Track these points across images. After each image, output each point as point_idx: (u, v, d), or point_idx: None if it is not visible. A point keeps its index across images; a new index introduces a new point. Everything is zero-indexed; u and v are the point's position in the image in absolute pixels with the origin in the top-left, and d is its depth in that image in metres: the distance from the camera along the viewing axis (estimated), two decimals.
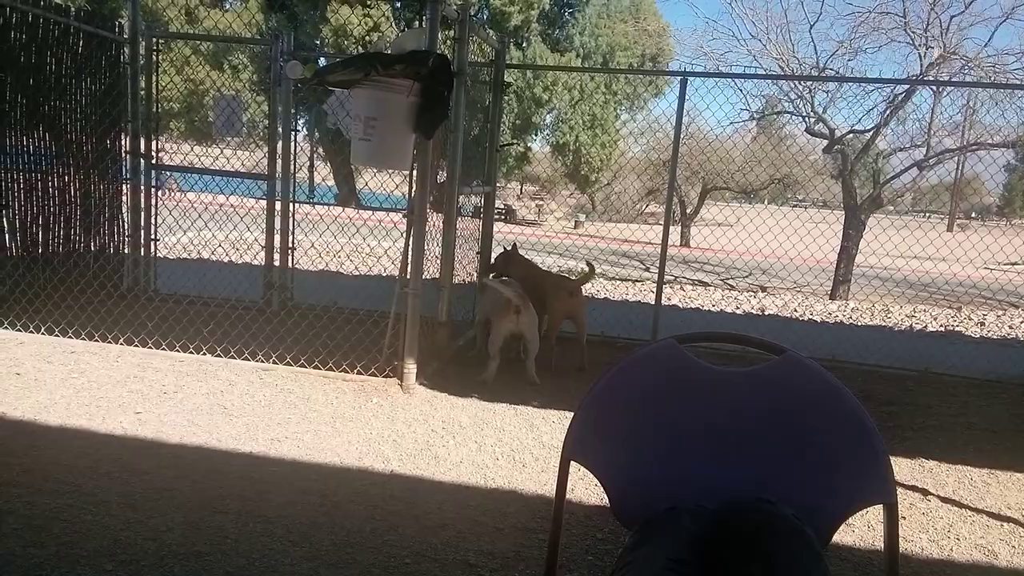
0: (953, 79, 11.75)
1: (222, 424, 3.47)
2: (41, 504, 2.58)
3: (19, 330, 4.66)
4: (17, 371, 3.99)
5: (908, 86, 11.29)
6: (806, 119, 12.96)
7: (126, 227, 6.04)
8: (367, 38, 20.02)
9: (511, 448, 3.47)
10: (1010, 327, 8.62)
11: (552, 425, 3.81)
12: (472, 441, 3.52)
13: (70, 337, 4.58)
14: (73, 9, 5.79)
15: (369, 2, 20.09)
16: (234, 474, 2.95)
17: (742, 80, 12.50)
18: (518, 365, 4.77)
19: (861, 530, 2.84)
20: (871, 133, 12.25)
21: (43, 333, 4.61)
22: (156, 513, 2.57)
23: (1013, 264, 15.23)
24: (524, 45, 24.80)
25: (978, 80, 11.41)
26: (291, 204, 5.76)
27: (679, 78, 5.65)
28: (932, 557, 2.73)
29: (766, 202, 28.20)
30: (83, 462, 2.94)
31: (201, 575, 2.24)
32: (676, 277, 13.27)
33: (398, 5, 20.18)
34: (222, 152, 6.26)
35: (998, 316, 9.64)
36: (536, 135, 27.82)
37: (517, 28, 24.24)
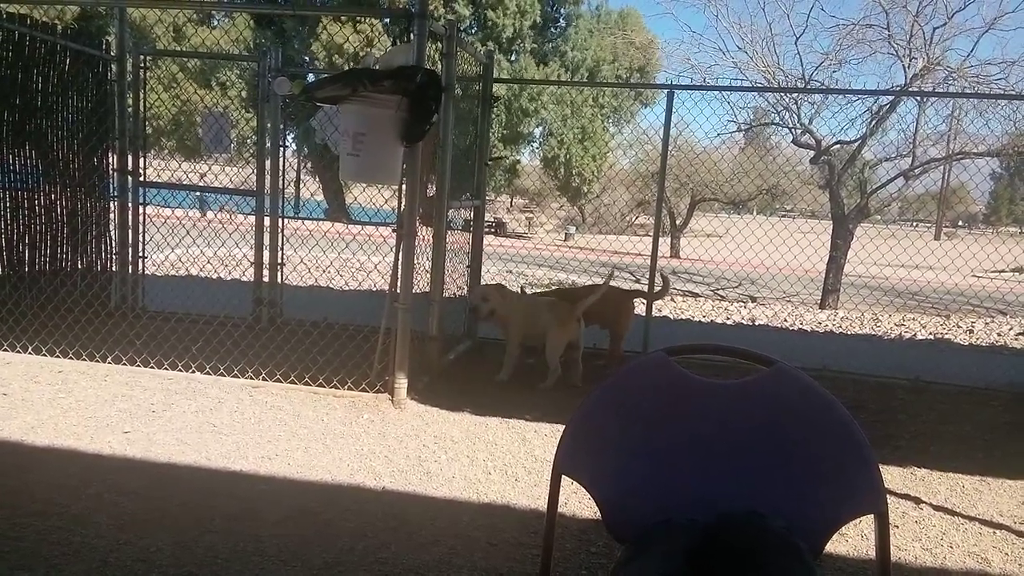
0: (937, 89, 11.88)
1: (211, 442, 3.44)
2: (29, 525, 2.54)
3: (6, 350, 4.62)
4: (4, 391, 3.95)
5: (893, 97, 11.40)
6: (792, 130, 13.06)
7: (114, 245, 6.00)
8: (361, 53, 20.08)
9: (503, 462, 3.46)
10: (999, 334, 8.67)
11: (544, 438, 3.80)
12: (464, 456, 3.51)
13: (57, 356, 4.54)
14: (60, 27, 5.76)
15: (359, 19, 20.16)
16: (224, 493, 2.93)
17: (728, 92, 12.60)
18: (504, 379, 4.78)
19: (855, 540, 2.84)
20: (857, 144, 12.35)
21: (30, 353, 4.58)
22: (145, 534, 2.55)
23: (1000, 272, 15.35)
24: (512, 58, 24.93)
25: (962, 90, 11.53)
26: (280, 219, 5.75)
27: (666, 91, 5.70)
28: (926, 565, 2.73)
29: (754, 213, 28.41)
30: (71, 483, 2.91)
31: None
32: None
33: (387, 21, 20.24)
34: (210, 168, 6.24)
35: (986, 324, 9.71)
36: (525, 146, 27.93)
37: (510, 40, 24.38)
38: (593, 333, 5.30)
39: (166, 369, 4.42)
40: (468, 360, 5.35)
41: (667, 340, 5.72)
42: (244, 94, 21.27)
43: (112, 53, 5.81)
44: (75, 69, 5.60)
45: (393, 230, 4.32)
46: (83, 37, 5.94)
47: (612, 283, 5.15)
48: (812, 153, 12.93)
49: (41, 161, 5.43)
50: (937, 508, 3.25)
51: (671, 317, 8.84)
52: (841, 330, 8.64)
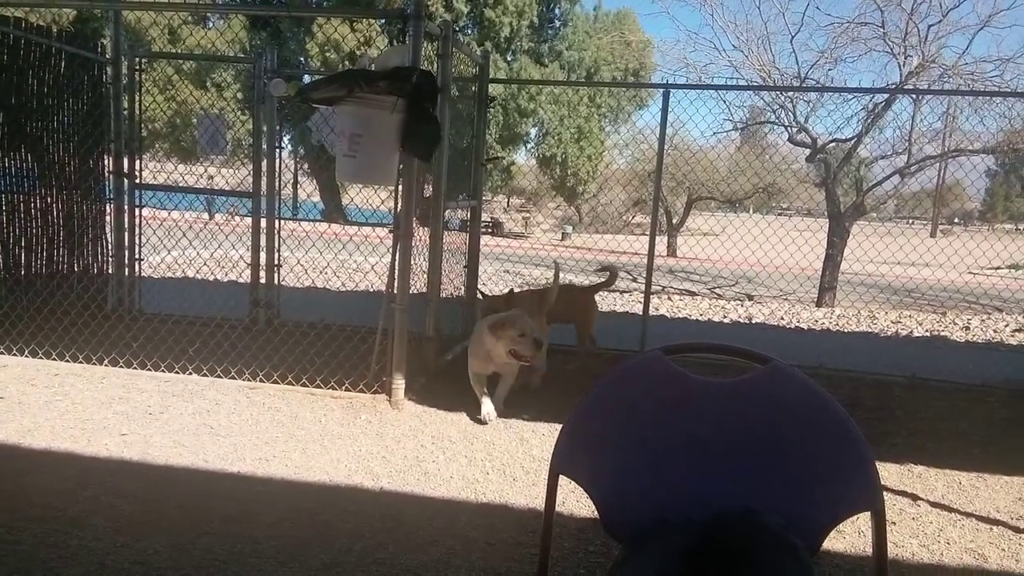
0: (932, 87, 11.89)
1: (209, 444, 3.44)
2: (26, 529, 2.54)
3: (2, 353, 4.61)
4: (0, 395, 3.94)
5: (888, 95, 11.43)
6: (788, 129, 13.07)
7: (110, 247, 5.99)
8: (358, 52, 20.03)
9: (501, 462, 3.46)
10: (995, 331, 8.69)
11: (542, 438, 3.80)
12: (462, 456, 3.51)
13: (54, 359, 4.53)
14: (55, 30, 5.74)
15: (356, 20, 20.14)
16: (222, 495, 2.92)
17: (724, 91, 12.61)
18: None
19: (852, 537, 2.85)
20: (853, 141, 12.37)
21: (26, 356, 4.57)
22: (143, 536, 2.54)
23: (996, 268, 15.37)
24: (510, 58, 24.92)
25: (957, 88, 11.55)
26: (276, 221, 5.75)
27: (662, 90, 5.71)
28: (923, 561, 2.73)
29: (751, 211, 28.46)
30: (68, 486, 2.90)
31: None
32: (663, 287, 13.31)
33: (383, 22, 20.22)
34: (206, 170, 6.24)
35: (982, 320, 9.72)
36: (523, 146, 27.95)
37: (507, 39, 24.38)
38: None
39: (163, 371, 4.41)
40: (465, 360, 5.34)
41: (664, 338, 5.70)
42: (240, 96, 21.25)
43: (107, 56, 5.80)
44: (70, 72, 5.59)
45: (390, 231, 4.32)
46: (78, 40, 5.92)
47: (572, 281, 5.11)
48: (808, 151, 12.95)
49: (37, 164, 5.41)
50: (934, 505, 3.25)
51: (668, 316, 8.85)
52: (837, 328, 8.65)
